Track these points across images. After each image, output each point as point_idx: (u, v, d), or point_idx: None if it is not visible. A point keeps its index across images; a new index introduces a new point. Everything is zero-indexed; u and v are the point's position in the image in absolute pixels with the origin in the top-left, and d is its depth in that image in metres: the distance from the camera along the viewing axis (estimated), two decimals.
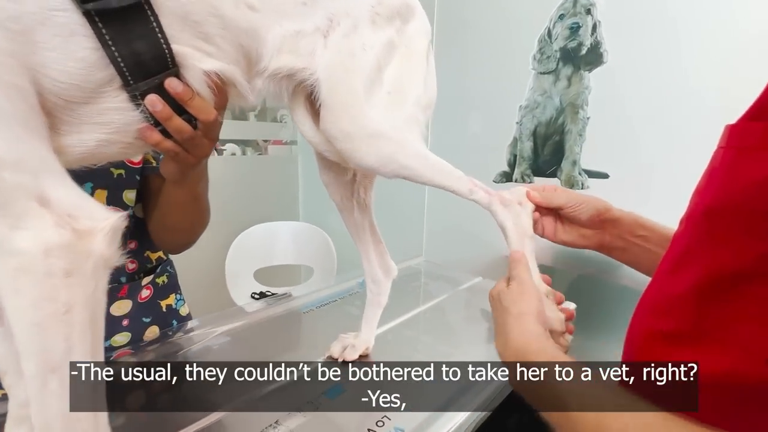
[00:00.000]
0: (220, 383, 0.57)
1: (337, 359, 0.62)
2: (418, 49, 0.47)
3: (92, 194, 0.53)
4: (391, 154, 0.43)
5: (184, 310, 0.71)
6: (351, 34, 0.41)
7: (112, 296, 0.57)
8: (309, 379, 0.58)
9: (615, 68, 0.95)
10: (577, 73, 1.00)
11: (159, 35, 0.31)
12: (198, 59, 0.35)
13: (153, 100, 0.34)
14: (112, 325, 0.58)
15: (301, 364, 0.59)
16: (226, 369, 0.61)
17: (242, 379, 0.58)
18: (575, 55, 1.00)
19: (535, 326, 0.37)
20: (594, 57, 0.97)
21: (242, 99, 0.41)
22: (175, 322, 0.68)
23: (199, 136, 0.40)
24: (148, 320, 0.63)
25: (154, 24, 0.31)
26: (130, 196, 0.56)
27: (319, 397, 0.54)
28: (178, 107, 0.36)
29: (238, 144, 1.73)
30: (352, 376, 0.59)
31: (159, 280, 0.65)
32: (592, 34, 0.97)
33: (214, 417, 0.50)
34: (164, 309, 0.66)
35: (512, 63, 1.12)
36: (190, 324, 0.72)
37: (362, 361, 0.63)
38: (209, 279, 1.62)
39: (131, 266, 0.60)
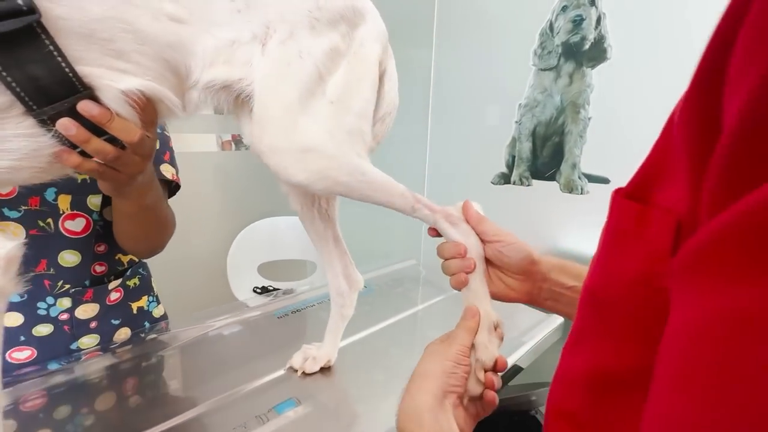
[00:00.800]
0: (166, 396, 0.57)
1: (296, 371, 0.62)
2: (367, 56, 0.43)
3: (56, 199, 0.54)
4: (322, 169, 0.40)
5: (158, 311, 0.72)
6: (287, 41, 0.39)
7: (76, 300, 0.58)
8: (264, 390, 0.59)
9: (619, 65, 0.88)
10: (579, 69, 0.94)
11: (58, 58, 0.30)
12: (112, 79, 0.34)
13: (66, 125, 0.33)
14: (79, 328, 0.60)
15: (251, 377, 0.58)
16: (172, 381, 0.61)
17: (184, 394, 0.58)
18: (578, 50, 0.93)
19: (432, 392, 0.34)
20: (597, 52, 0.90)
21: (173, 114, 0.39)
22: (147, 324, 0.70)
23: (127, 155, 0.39)
24: (117, 322, 0.65)
25: (51, 47, 0.29)
26: (95, 200, 0.56)
27: (269, 411, 0.53)
28: (99, 128, 0.35)
29: None
30: (307, 391, 0.59)
31: (130, 283, 0.66)
32: (596, 27, 0.90)
33: (159, 428, 0.51)
34: (135, 311, 0.67)
35: (512, 58, 1.06)
36: (164, 325, 0.74)
37: (323, 374, 0.62)
38: (211, 272, 1.65)
39: (99, 269, 0.61)
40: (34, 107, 0.31)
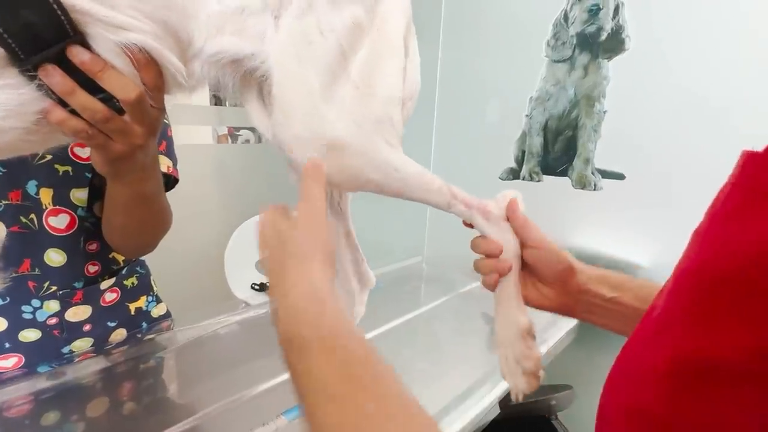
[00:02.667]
0: (164, 401, 0.53)
1: None
2: (393, 31, 0.39)
3: (37, 193, 0.49)
4: (354, 168, 0.36)
5: (157, 311, 0.68)
6: (305, 15, 0.34)
7: (65, 303, 0.54)
8: (269, 395, 0.55)
9: (638, 56, 0.85)
10: (595, 61, 0.91)
11: None
12: (107, 30, 0.29)
13: (48, 71, 0.29)
14: (71, 332, 0.55)
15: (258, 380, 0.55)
16: (170, 387, 0.57)
17: (183, 399, 0.54)
18: (594, 41, 0.90)
19: (320, 278, 0.28)
20: (615, 43, 0.87)
21: (178, 84, 0.35)
22: (144, 324, 0.65)
23: (123, 120, 0.34)
24: (113, 324, 0.61)
25: None
26: (78, 195, 0.51)
27: (276, 417, 0.50)
28: (94, 86, 0.31)
29: (253, 131, 1.69)
30: None
31: (127, 283, 0.62)
32: (614, 17, 0.87)
33: None
34: (133, 312, 0.63)
35: (524, 49, 1.02)
36: (165, 325, 0.70)
37: None
38: (208, 268, 1.61)
39: (92, 269, 0.56)
40: (21, 55, 0.28)
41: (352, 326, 0.27)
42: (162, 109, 0.37)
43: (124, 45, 0.30)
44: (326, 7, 0.35)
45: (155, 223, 0.52)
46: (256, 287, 1.56)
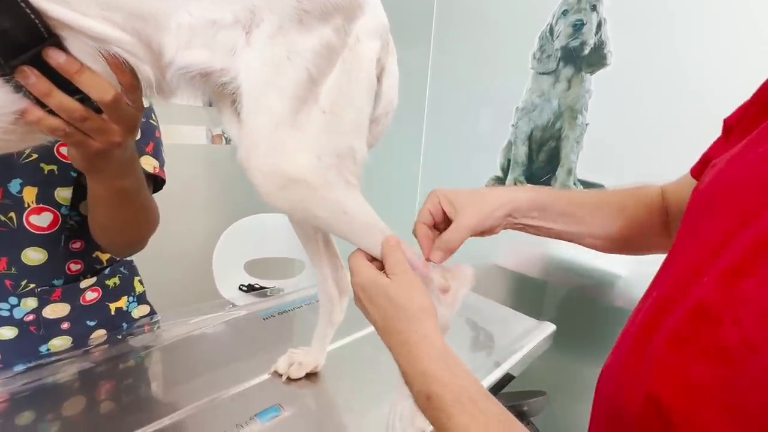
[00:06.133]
0: (140, 401, 0.54)
1: (281, 376, 0.59)
2: (364, 54, 0.39)
3: (20, 191, 0.50)
4: (303, 200, 0.36)
5: (138, 312, 0.69)
6: (276, 37, 0.34)
7: (42, 300, 0.54)
8: (246, 396, 0.56)
9: (619, 71, 0.87)
10: (578, 74, 0.93)
11: (21, 4, 0.27)
12: (80, 37, 0.30)
13: (24, 72, 0.30)
14: (48, 329, 0.56)
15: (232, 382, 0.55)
16: (153, 383, 0.58)
17: (160, 399, 0.54)
18: (577, 55, 0.93)
19: (439, 338, 0.33)
20: (597, 58, 0.90)
21: (153, 88, 0.36)
22: (125, 325, 0.66)
23: (101, 119, 0.35)
24: (93, 323, 0.61)
25: None
26: (63, 194, 0.52)
27: (250, 418, 0.51)
28: (72, 86, 0.31)
29: None
30: (292, 398, 0.56)
31: (109, 282, 0.63)
32: (597, 32, 0.89)
33: None
34: (113, 312, 0.64)
35: (511, 61, 1.04)
36: (146, 326, 0.70)
37: (309, 380, 0.60)
38: (196, 269, 1.61)
39: (75, 267, 0.57)
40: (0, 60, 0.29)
41: (480, 386, 0.31)
42: (140, 108, 0.38)
43: (98, 49, 0.31)
44: (295, 29, 0.35)
45: (138, 221, 0.53)
46: (244, 288, 1.57)
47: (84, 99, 0.33)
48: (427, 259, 0.42)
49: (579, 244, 0.45)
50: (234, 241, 1.61)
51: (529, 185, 0.42)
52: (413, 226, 0.45)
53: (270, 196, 0.36)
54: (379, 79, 0.42)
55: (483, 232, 0.44)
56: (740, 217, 0.23)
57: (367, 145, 0.42)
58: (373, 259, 0.40)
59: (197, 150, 1.62)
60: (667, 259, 0.29)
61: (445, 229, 0.43)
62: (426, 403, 0.30)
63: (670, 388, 0.22)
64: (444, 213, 0.44)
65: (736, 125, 0.32)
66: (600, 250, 0.45)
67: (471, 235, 0.42)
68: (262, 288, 1.55)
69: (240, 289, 1.56)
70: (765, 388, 0.18)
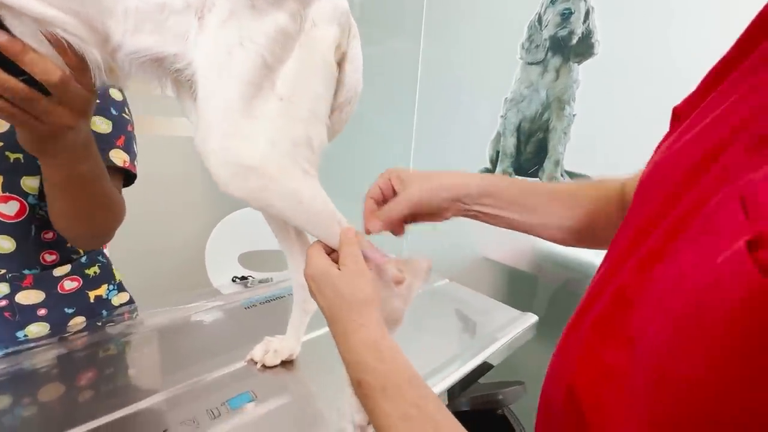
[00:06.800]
0: (114, 388, 0.54)
1: (256, 363, 0.59)
2: (323, 40, 0.38)
3: None
4: (259, 189, 0.35)
5: (118, 299, 0.69)
6: (228, 22, 0.34)
7: (15, 286, 0.55)
8: (220, 383, 0.56)
9: (606, 61, 0.86)
10: (566, 64, 0.92)
11: None
12: (22, 9, 0.29)
13: None
14: (24, 315, 0.56)
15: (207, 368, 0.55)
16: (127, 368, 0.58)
17: (135, 385, 0.55)
18: (565, 44, 0.91)
19: (376, 326, 0.34)
20: (585, 48, 0.88)
21: (103, 72, 0.35)
22: (104, 312, 0.67)
23: (46, 101, 0.34)
24: (71, 311, 0.62)
25: None
26: (30, 183, 0.52)
27: (221, 404, 0.51)
28: (20, 69, 0.31)
29: None
30: (266, 385, 0.57)
31: (89, 272, 0.63)
32: (585, 21, 0.88)
33: (105, 420, 0.48)
34: (92, 300, 0.64)
35: (500, 52, 1.03)
36: (126, 314, 0.71)
37: (285, 368, 0.60)
38: (189, 262, 1.62)
39: (49, 258, 0.57)
40: None
41: (410, 373, 0.31)
42: (92, 91, 0.37)
43: (40, 30, 0.31)
44: (248, 14, 0.34)
45: (96, 209, 0.51)
46: (237, 280, 1.57)
47: (32, 80, 0.33)
48: (367, 231, 0.43)
49: (535, 235, 0.44)
50: (227, 235, 1.61)
51: (483, 173, 0.42)
52: (364, 201, 0.45)
53: (226, 184, 0.35)
54: (340, 64, 0.41)
55: (431, 215, 0.44)
56: (664, 204, 0.23)
57: (329, 133, 0.42)
58: (332, 251, 0.40)
59: (187, 142, 1.62)
60: (608, 249, 0.29)
61: None
62: (358, 391, 0.31)
63: (584, 377, 0.22)
64: (393, 190, 0.44)
65: (682, 114, 0.32)
66: (558, 243, 0.44)
67: (412, 211, 0.42)
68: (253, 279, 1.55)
69: (233, 281, 1.57)
70: (660, 373, 0.18)
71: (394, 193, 0.44)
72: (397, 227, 0.44)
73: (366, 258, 0.38)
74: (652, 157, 0.31)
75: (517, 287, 1.08)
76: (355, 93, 0.44)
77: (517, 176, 1.04)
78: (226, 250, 1.62)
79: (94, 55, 0.33)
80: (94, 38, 0.33)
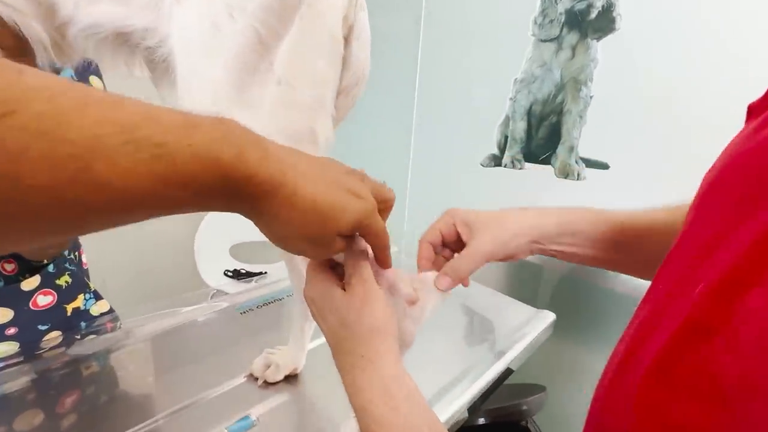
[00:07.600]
0: (97, 411, 0.47)
1: (257, 379, 0.54)
2: (328, 10, 0.31)
3: None
4: None
5: (97, 309, 0.62)
6: None
7: None
8: (217, 403, 0.50)
9: (628, 37, 0.79)
10: (584, 41, 0.85)
11: None
12: None
13: None
14: None
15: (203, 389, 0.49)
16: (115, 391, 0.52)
17: (121, 408, 0.48)
18: (583, 19, 0.84)
19: (390, 365, 0.28)
20: (605, 22, 0.81)
21: (48, 50, 0.28)
22: (83, 324, 0.60)
23: None
24: (45, 327, 0.55)
25: None
26: None
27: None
28: None
29: None
30: (268, 405, 0.51)
31: (60, 282, 0.56)
32: None
33: None
34: (69, 313, 0.57)
35: (510, 27, 0.95)
36: (108, 325, 0.64)
37: (288, 383, 0.54)
38: (177, 253, 1.54)
39: (9, 267, 0.50)
40: None
41: (429, 421, 0.27)
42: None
43: None
44: None
45: None
46: (229, 274, 1.51)
47: None
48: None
49: (621, 272, 0.39)
50: (218, 225, 1.54)
51: (560, 209, 0.36)
52: (418, 245, 0.40)
53: None
54: (347, 40, 0.34)
55: (504, 259, 0.39)
56: (735, 213, 0.19)
57: (333, 122, 0.35)
58: (336, 264, 0.33)
59: None
60: (659, 271, 0.24)
61: (457, 250, 0.39)
62: None
63: (646, 430, 0.18)
64: (458, 234, 0.39)
65: (755, 110, 0.27)
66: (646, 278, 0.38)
67: (487, 262, 0.37)
68: (248, 273, 1.49)
69: (225, 274, 1.50)
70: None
71: (458, 238, 0.39)
72: (466, 280, 0.38)
73: (376, 274, 0.32)
74: (719, 160, 0.25)
75: (521, 278, 1.04)
76: (362, 74, 0.37)
77: (527, 163, 0.98)
78: (217, 242, 1.54)
79: (36, 30, 0.26)
80: (35, 10, 0.25)
